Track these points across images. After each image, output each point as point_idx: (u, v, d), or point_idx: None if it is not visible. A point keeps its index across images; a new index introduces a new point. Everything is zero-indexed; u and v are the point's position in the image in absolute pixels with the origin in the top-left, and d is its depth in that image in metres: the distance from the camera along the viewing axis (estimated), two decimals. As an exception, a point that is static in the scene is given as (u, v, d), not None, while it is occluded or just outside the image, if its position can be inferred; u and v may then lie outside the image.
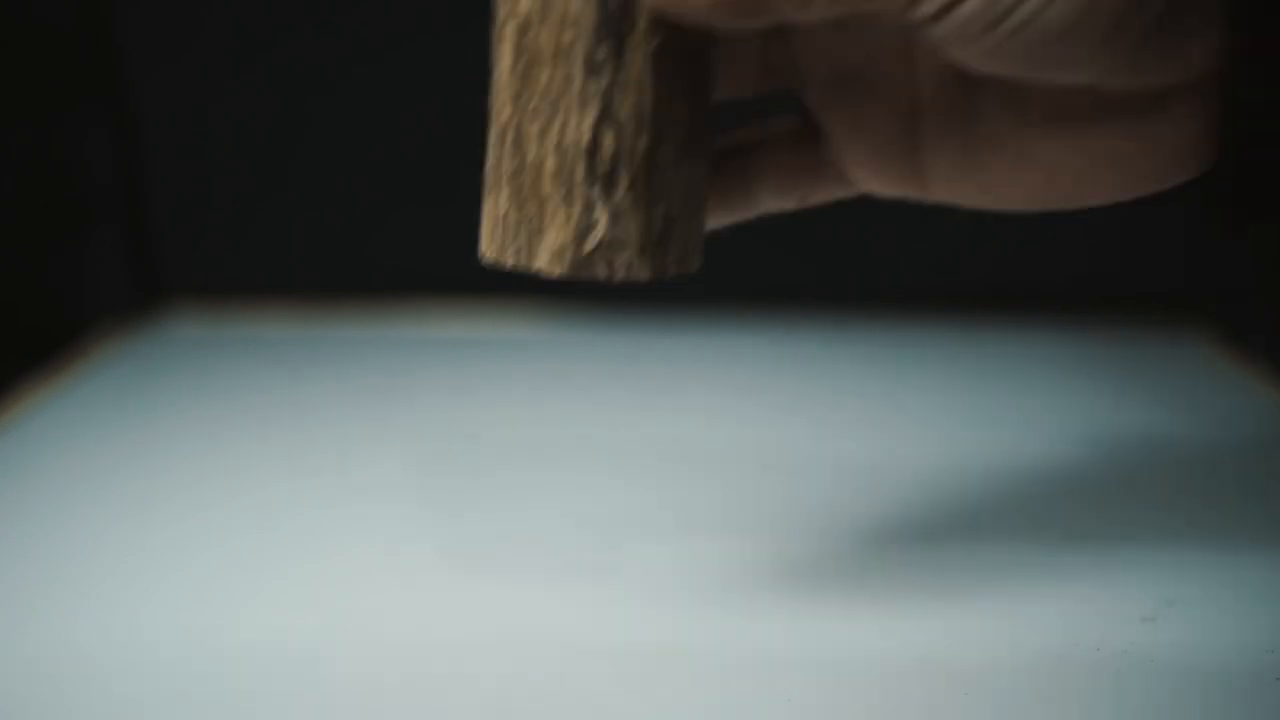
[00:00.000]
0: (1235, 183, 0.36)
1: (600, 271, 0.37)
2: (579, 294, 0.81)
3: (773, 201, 0.42)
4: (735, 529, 0.50)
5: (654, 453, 0.58)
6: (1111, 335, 0.78)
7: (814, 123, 0.41)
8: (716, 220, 0.42)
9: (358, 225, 0.79)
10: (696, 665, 0.40)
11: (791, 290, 0.79)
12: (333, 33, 0.80)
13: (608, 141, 0.36)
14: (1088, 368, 0.72)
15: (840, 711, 0.37)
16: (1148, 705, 0.37)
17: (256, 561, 0.47)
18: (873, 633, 0.42)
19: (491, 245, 0.38)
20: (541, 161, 0.36)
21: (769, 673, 0.39)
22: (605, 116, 0.36)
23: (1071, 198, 0.39)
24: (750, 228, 0.44)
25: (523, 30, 0.36)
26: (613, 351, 0.76)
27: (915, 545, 0.49)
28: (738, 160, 0.42)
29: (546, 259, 0.37)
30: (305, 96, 0.81)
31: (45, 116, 0.82)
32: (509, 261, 0.37)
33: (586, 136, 0.36)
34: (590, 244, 0.37)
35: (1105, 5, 0.34)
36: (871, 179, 0.41)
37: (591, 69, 0.36)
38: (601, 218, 0.36)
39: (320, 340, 0.78)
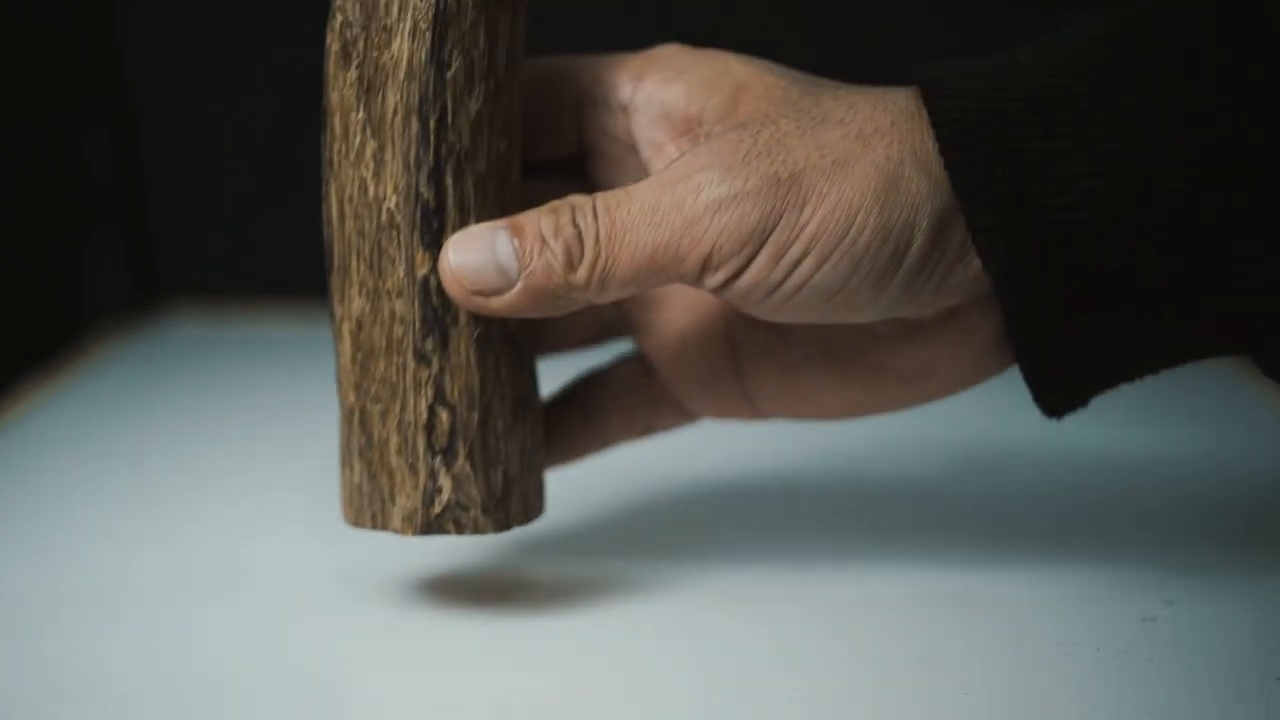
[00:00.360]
0: (1039, 375, 0.39)
1: (449, 530, 0.40)
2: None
3: (618, 436, 0.45)
4: (729, 530, 0.50)
5: (656, 456, 0.58)
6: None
7: (646, 362, 0.45)
8: (569, 459, 0.45)
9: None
10: (690, 661, 0.40)
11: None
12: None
13: (443, 419, 0.40)
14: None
15: (839, 710, 0.37)
16: (1148, 705, 0.37)
17: (258, 562, 0.47)
18: (874, 630, 0.42)
19: (350, 511, 0.42)
20: (386, 439, 0.40)
21: (768, 673, 0.39)
22: (439, 399, 0.40)
23: (894, 405, 0.43)
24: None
25: (358, 328, 0.40)
26: (610, 352, 0.76)
27: (916, 545, 0.49)
28: (582, 401, 0.45)
29: (399, 522, 0.40)
30: (305, 96, 0.81)
31: (45, 116, 0.82)
32: (366, 525, 0.41)
33: (424, 417, 0.40)
34: (437, 508, 0.40)
35: (868, 262, 0.37)
36: (705, 408, 0.45)
37: (421, 358, 0.39)
38: (445, 485, 0.40)
39: (320, 340, 0.78)
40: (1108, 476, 0.55)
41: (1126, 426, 0.61)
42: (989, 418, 0.63)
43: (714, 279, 0.37)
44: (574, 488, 0.53)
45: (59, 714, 0.37)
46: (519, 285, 0.38)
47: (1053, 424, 0.40)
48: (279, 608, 0.44)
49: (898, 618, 0.42)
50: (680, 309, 0.43)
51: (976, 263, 0.37)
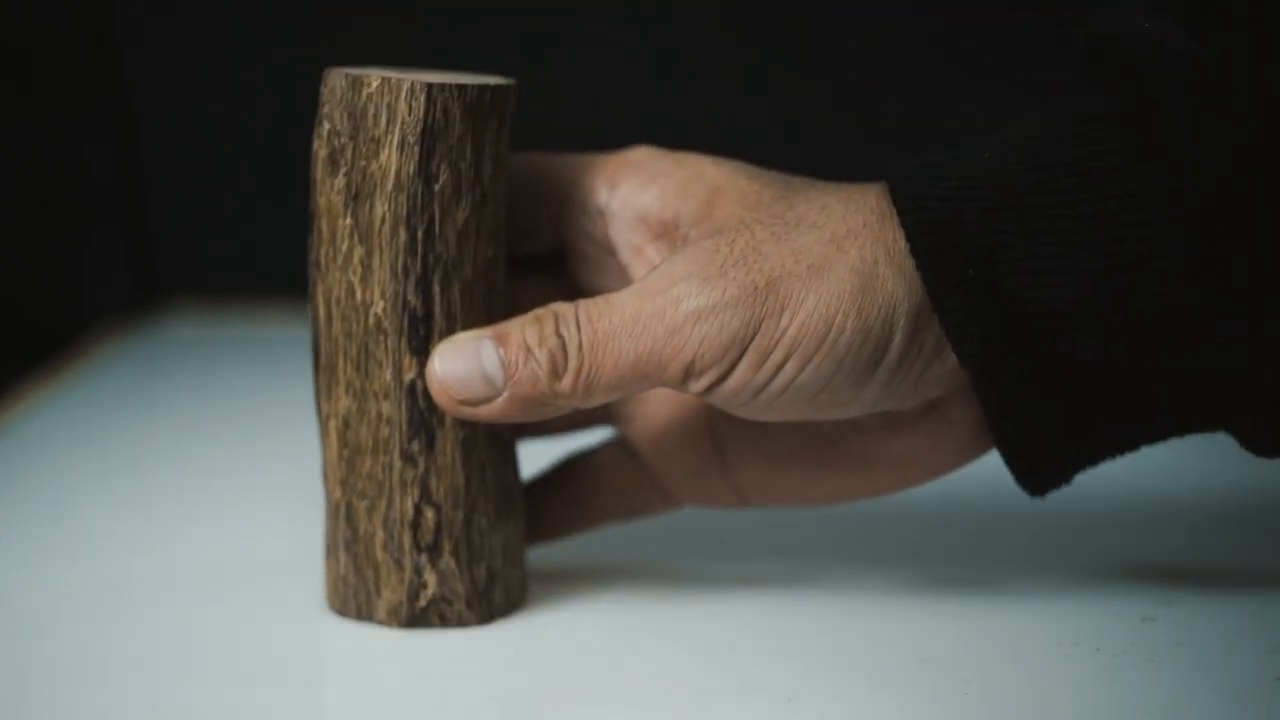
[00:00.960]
0: (1019, 461, 0.40)
1: (434, 623, 0.41)
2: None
3: (605, 519, 0.46)
4: (731, 525, 0.50)
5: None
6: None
7: (631, 449, 0.45)
8: (555, 538, 0.46)
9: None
10: (691, 661, 0.40)
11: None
12: (332, 32, 0.80)
13: (429, 517, 0.40)
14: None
15: (839, 710, 0.37)
16: (1148, 705, 0.37)
17: (257, 562, 0.47)
18: (874, 630, 0.42)
19: (335, 600, 0.42)
20: (372, 534, 0.41)
21: (769, 671, 0.39)
22: (424, 498, 0.40)
23: (879, 492, 0.43)
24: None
25: (344, 426, 0.41)
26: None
27: (916, 545, 0.49)
28: (568, 483, 0.45)
29: (384, 614, 0.41)
30: (305, 97, 0.81)
31: (45, 116, 0.82)
32: (351, 615, 0.42)
33: (410, 515, 0.40)
34: (422, 601, 0.41)
35: (850, 361, 0.37)
36: (692, 496, 0.45)
37: (408, 459, 0.40)
38: (430, 579, 0.41)
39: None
40: (1108, 477, 0.55)
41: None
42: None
43: (698, 385, 0.38)
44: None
45: (59, 714, 0.37)
46: (505, 394, 0.38)
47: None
48: (279, 607, 0.44)
49: (898, 617, 0.43)
50: (663, 402, 0.44)
51: (953, 357, 0.38)
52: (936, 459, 0.42)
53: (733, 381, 0.38)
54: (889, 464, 0.42)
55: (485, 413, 0.39)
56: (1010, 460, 0.40)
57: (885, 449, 0.41)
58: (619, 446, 0.45)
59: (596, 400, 0.39)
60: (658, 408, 0.44)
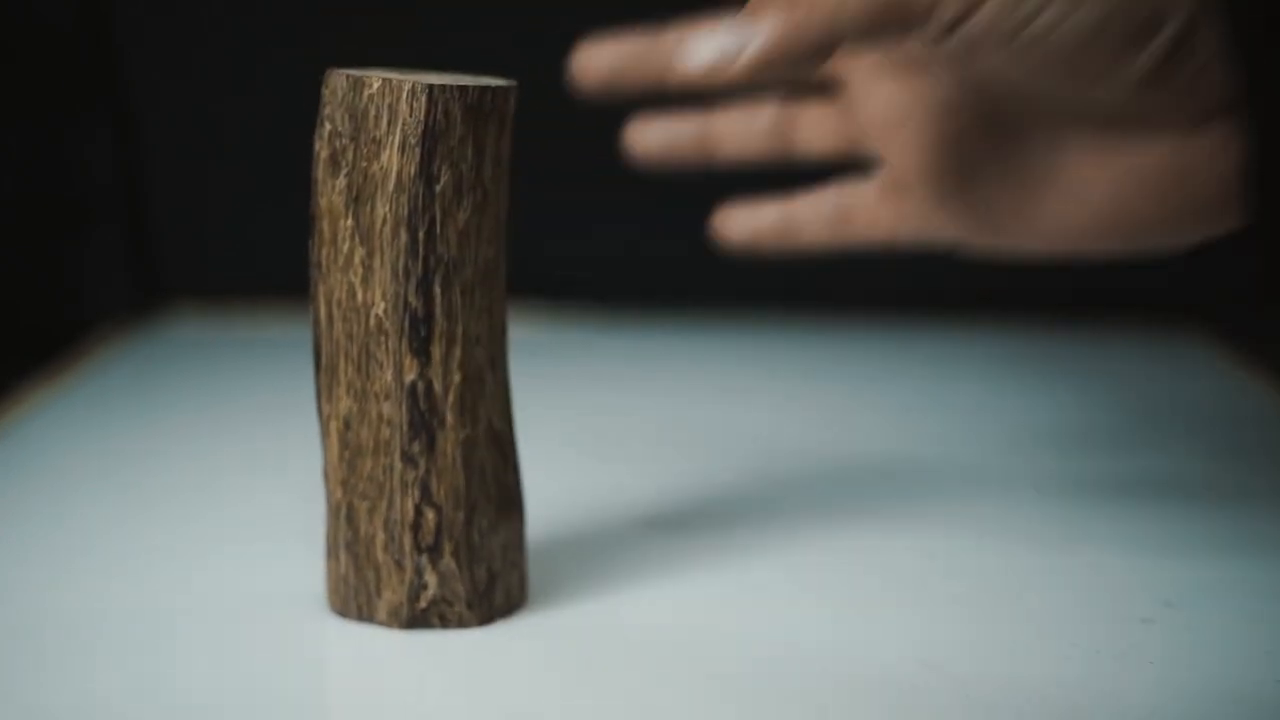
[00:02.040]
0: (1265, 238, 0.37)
1: (435, 624, 0.42)
2: (579, 294, 0.81)
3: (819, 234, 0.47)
4: (731, 527, 0.50)
5: (651, 448, 0.58)
6: (1111, 337, 0.78)
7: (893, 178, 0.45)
8: (825, 240, 0.47)
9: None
10: (691, 661, 0.40)
11: (793, 293, 0.79)
12: (333, 32, 0.80)
13: (429, 519, 0.41)
14: (1088, 369, 0.72)
15: (840, 710, 0.37)
16: (1148, 706, 0.37)
17: (259, 564, 0.47)
18: (872, 634, 0.42)
19: (336, 600, 0.43)
20: (373, 536, 0.41)
21: (766, 676, 0.39)
22: (425, 499, 0.41)
23: (1115, 235, 0.40)
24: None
25: (345, 427, 0.41)
26: (613, 351, 0.76)
27: (915, 546, 0.49)
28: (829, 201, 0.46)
29: (385, 615, 0.42)
30: (305, 97, 0.81)
31: (45, 116, 0.82)
32: (352, 616, 0.42)
33: (410, 516, 0.41)
34: (423, 603, 0.41)
35: (1118, 24, 0.35)
36: (931, 216, 0.44)
37: (408, 460, 0.40)
38: (431, 580, 0.41)
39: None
40: (1107, 476, 0.55)
41: (1127, 427, 0.61)
42: (991, 418, 0.63)
43: (946, 12, 0.36)
44: (570, 490, 0.53)
45: (58, 714, 0.37)
46: (756, 43, 0.36)
47: (1051, 426, 0.40)
48: (279, 608, 0.44)
49: (898, 617, 0.43)
50: (912, 106, 0.43)
51: (1231, 67, 0.36)
52: (1182, 199, 0.39)
53: (983, 15, 0.36)
54: (1137, 194, 0.40)
55: (737, 67, 0.36)
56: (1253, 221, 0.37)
57: (1136, 171, 0.39)
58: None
59: (844, 39, 0.36)
60: (910, 110, 0.44)
